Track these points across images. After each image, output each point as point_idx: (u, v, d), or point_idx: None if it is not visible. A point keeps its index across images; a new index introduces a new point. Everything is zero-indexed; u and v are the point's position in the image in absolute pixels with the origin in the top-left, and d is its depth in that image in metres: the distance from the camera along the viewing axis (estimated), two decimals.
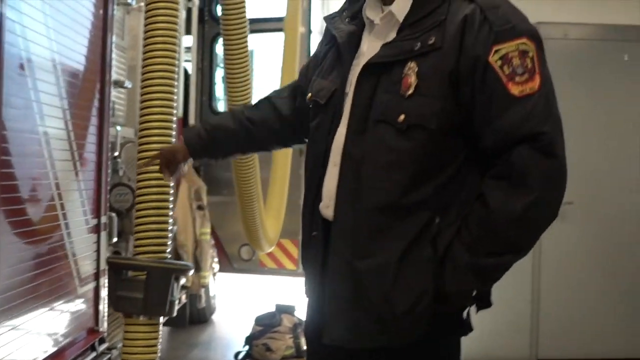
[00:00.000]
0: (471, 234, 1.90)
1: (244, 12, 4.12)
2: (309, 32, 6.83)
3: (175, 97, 3.00)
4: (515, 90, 1.86)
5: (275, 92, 2.49)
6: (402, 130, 1.91)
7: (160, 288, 2.61)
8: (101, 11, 3.09)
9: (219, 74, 7.33)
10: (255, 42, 7.34)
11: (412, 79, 1.90)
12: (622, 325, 5.81)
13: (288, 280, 7.29)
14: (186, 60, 6.39)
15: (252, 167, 4.45)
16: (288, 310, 5.99)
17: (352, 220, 1.98)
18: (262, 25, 6.89)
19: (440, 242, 1.93)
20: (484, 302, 2.04)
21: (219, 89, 7.32)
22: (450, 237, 1.93)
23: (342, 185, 2.00)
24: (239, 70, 4.12)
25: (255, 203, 4.60)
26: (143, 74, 2.92)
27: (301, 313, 5.90)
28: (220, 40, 7.00)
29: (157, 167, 2.62)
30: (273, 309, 6.00)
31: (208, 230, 6.08)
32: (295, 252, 6.66)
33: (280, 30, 6.07)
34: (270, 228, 5.08)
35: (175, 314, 2.68)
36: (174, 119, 3.01)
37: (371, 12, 2.07)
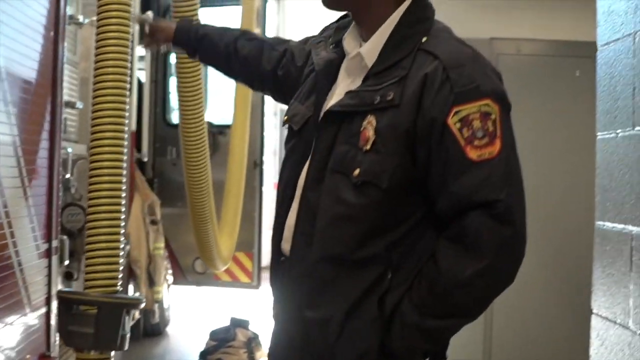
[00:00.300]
0: (420, 294, 1.86)
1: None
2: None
3: (127, 113, 2.95)
4: (473, 154, 1.80)
5: (274, 40, 2.48)
6: (357, 185, 1.87)
7: (111, 323, 2.57)
8: (52, 33, 3.04)
9: (173, 83, 7.30)
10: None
11: (370, 134, 1.85)
12: (567, 332, 5.87)
13: (243, 293, 7.25)
14: (140, 69, 6.35)
15: (205, 187, 4.40)
16: (242, 324, 5.96)
17: (303, 268, 1.95)
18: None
19: (389, 299, 1.88)
20: (438, 357, 1.98)
21: (174, 100, 7.28)
22: (400, 294, 1.88)
23: (298, 227, 1.97)
24: (191, 82, 4.07)
25: (209, 224, 4.55)
26: (94, 90, 2.88)
27: (256, 327, 5.89)
28: None
29: (108, 186, 2.63)
30: (228, 323, 5.97)
31: (162, 244, 6.04)
32: (250, 265, 6.65)
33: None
34: (224, 246, 5.04)
35: (127, 347, 2.64)
36: (126, 135, 2.97)
37: (350, 44, 2.03)
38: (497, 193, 1.80)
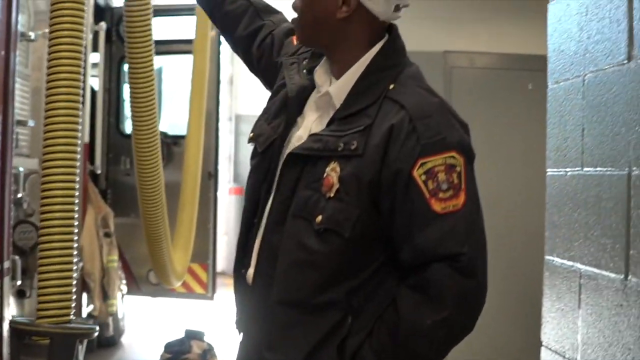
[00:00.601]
0: (381, 340, 1.86)
1: (150, 32, 4.04)
2: (218, 52, 6.81)
3: (80, 126, 2.94)
4: (437, 207, 1.79)
5: (263, 6, 2.38)
6: (319, 232, 1.84)
7: (64, 354, 2.56)
8: (2, 52, 3.01)
9: (128, 91, 7.25)
10: (164, 59, 7.30)
11: (334, 181, 1.84)
12: (519, 333, 5.93)
13: (197, 304, 7.22)
14: (93, 75, 6.29)
15: (158, 201, 4.38)
16: (197, 336, 5.93)
17: (264, 309, 1.94)
18: (171, 47, 6.84)
19: (349, 344, 1.88)
20: None
21: (128, 109, 7.24)
22: (360, 340, 1.87)
23: (259, 268, 1.96)
24: (143, 92, 4.05)
25: (163, 240, 4.53)
26: (47, 103, 2.86)
27: (211, 338, 5.87)
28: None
29: (61, 208, 2.60)
30: (182, 334, 5.94)
31: (115, 257, 6.00)
32: (204, 276, 6.62)
33: (189, 52, 6.04)
34: (179, 261, 5.01)
35: None
36: (79, 148, 2.95)
37: (320, 77, 2.01)
38: (461, 246, 1.79)
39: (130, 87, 4.05)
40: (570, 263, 2.08)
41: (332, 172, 1.84)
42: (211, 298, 6.65)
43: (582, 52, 2.00)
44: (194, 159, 5.56)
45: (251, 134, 2.10)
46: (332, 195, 1.83)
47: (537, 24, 6.18)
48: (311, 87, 2.03)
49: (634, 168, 1.74)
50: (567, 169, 2.09)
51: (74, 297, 2.75)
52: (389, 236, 1.86)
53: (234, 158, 12.37)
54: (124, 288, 6.70)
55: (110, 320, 5.98)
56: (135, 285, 6.75)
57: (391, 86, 1.88)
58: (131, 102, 4.11)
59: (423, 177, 1.78)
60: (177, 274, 5.06)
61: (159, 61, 6.13)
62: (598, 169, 1.91)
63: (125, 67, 6.96)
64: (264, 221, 1.99)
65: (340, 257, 1.85)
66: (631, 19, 1.78)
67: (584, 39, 2.01)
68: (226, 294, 8.29)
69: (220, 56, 7.06)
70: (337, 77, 1.98)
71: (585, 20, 2.02)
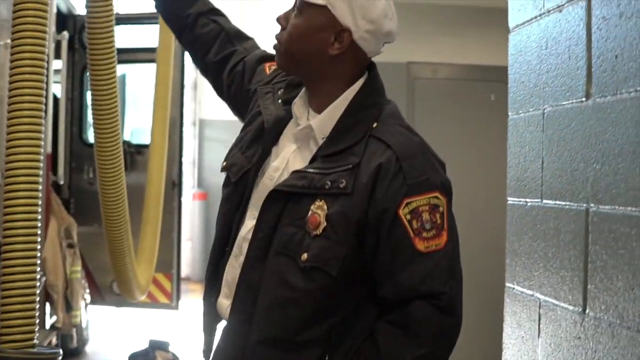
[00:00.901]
0: None
1: (112, 40, 4.02)
2: (182, 61, 6.80)
3: (43, 136, 2.92)
4: (420, 245, 1.83)
5: (235, 32, 2.37)
6: (305, 270, 1.86)
7: None
8: None
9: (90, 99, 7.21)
10: (128, 68, 7.28)
11: (321, 219, 1.85)
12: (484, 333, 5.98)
13: (161, 314, 7.20)
14: (55, 82, 6.25)
15: (121, 212, 4.35)
16: (162, 346, 5.93)
17: (241, 347, 1.93)
18: (134, 55, 6.81)
19: None
20: None
21: (90, 117, 7.20)
22: None
23: (236, 304, 1.95)
24: (105, 100, 4.01)
25: (127, 254, 4.51)
26: (9, 112, 2.84)
27: (175, 349, 5.87)
28: None
29: (25, 224, 2.63)
30: (147, 344, 5.92)
31: (79, 268, 5.97)
32: (169, 285, 6.61)
33: (152, 61, 6.00)
34: (142, 274, 4.98)
35: None
36: (42, 157, 2.94)
37: (299, 109, 2.02)
38: (442, 286, 1.84)
39: (92, 96, 4.00)
40: (530, 292, 2.11)
41: (319, 210, 1.85)
42: (176, 307, 6.64)
43: (542, 85, 2.04)
44: (158, 171, 5.54)
45: (224, 163, 2.10)
46: (318, 233, 1.85)
47: (499, 35, 6.27)
48: (288, 118, 2.04)
49: (592, 204, 1.78)
50: (527, 200, 2.13)
51: (37, 320, 2.73)
52: (370, 272, 1.89)
53: (197, 163, 12.34)
54: (88, 297, 6.67)
55: (74, 331, 5.95)
56: (99, 295, 6.72)
57: (374, 124, 1.91)
58: (93, 110, 4.07)
59: (408, 217, 1.82)
60: (141, 287, 5.04)
61: (122, 69, 6.12)
62: (557, 202, 1.95)
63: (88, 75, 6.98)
64: (235, 251, 2.00)
65: (325, 294, 1.87)
66: (590, 57, 1.82)
67: (543, 72, 2.05)
68: (190, 301, 8.28)
69: (185, 63, 7.05)
70: (317, 111, 1.99)
71: (545, 54, 2.05)
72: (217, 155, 12.48)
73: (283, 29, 1.97)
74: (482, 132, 6.18)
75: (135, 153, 6.68)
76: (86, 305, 6.66)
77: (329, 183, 1.86)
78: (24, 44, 2.82)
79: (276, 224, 1.90)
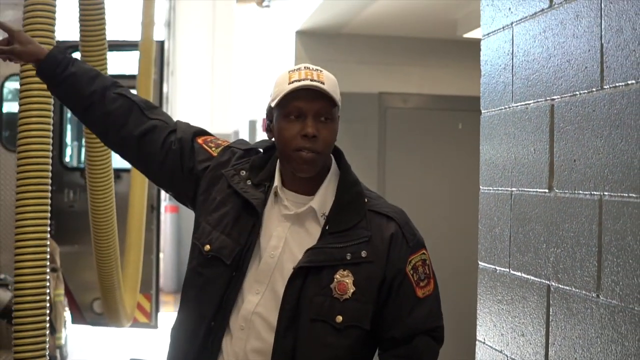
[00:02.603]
0: None
1: (105, 67, 4.18)
2: (161, 88, 7.00)
3: (49, 171, 3.13)
4: (420, 293, 2.24)
5: (145, 104, 2.43)
6: (340, 329, 2.18)
7: None
8: None
9: (70, 123, 7.37)
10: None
11: (349, 286, 2.18)
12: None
13: (141, 333, 7.38)
14: None
15: (112, 254, 4.52)
16: None
17: None
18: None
19: None
20: None
21: (70, 140, 7.36)
22: None
23: None
24: None
25: (116, 289, 4.70)
26: (19, 138, 3.07)
27: None
28: None
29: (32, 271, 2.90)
30: None
31: (62, 291, 6.15)
32: (148, 305, 6.80)
33: (132, 88, 6.17)
34: (128, 303, 5.17)
35: None
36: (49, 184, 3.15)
37: (281, 192, 2.28)
38: (438, 321, 2.29)
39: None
40: (499, 348, 2.39)
41: (345, 278, 2.19)
42: (155, 327, 6.84)
43: (511, 164, 2.31)
44: (140, 198, 5.73)
45: (208, 246, 2.29)
46: (348, 297, 2.19)
47: (467, 67, 6.55)
48: (265, 200, 2.28)
49: (552, 282, 2.06)
50: (496, 267, 2.40)
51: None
52: (378, 320, 2.25)
53: None
54: (68, 315, 6.83)
55: (57, 353, 6.13)
56: (80, 314, 6.89)
57: (365, 200, 2.27)
58: (86, 135, 4.20)
59: (411, 272, 2.23)
60: (128, 315, 5.24)
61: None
62: (523, 275, 2.22)
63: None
64: (241, 324, 2.22)
65: (360, 346, 2.23)
66: (552, 153, 2.09)
67: (511, 159, 2.32)
68: (164, 315, 8.45)
69: (163, 84, 7.25)
70: (305, 193, 2.26)
71: (513, 143, 2.33)
72: None
73: (317, 138, 2.17)
74: (450, 158, 6.47)
75: (114, 177, 6.86)
76: (65, 322, 6.82)
77: (349, 255, 2.20)
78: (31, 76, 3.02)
79: (299, 296, 2.19)
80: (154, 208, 6.82)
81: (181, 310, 2.36)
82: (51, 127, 3.12)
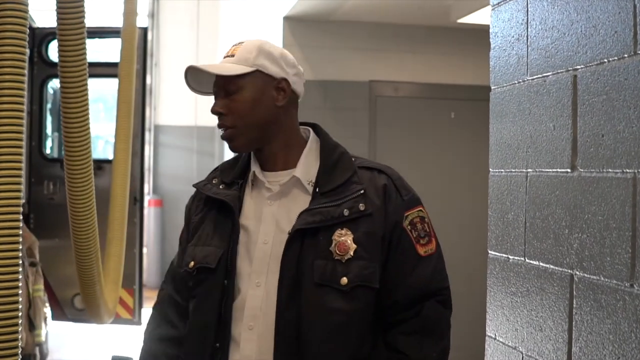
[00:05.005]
0: None
1: (84, 53, 3.97)
2: (144, 73, 6.79)
3: (23, 151, 2.91)
4: (421, 250, 2.13)
5: (164, 328, 2.30)
6: (346, 292, 2.04)
7: None
8: None
9: (50, 113, 7.16)
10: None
11: (349, 244, 2.05)
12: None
13: (124, 329, 7.18)
14: None
15: (92, 246, 4.30)
16: None
17: None
18: (95, 69, 6.76)
19: None
20: None
21: (50, 131, 7.14)
22: None
23: (281, 350, 2.03)
24: (76, 115, 3.94)
25: (96, 283, 4.49)
26: None
27: None
28: (50, 83, 6.92)
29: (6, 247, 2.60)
30: None
31: (41, 286, 5.94)
32: (131, 301, 6.60)
33: (114, 76, 5.96)
34: (109, 298, 4.95)
35: None
36: (23, 172, 2.93)
37: (261, 176, 2.19)
38: (444, 282, 2.18)
39: (63, 110, 3.91)
40: (512, 345, 2.20)
41: (344, 237, 2.06)
42: (138, 323, 6.62)
43: (526, 146, 2.12)
44: (122, 190, 5.49)
45: (192, 263, 2.18)
46: (350, 256, 2.05)
47: (460, 55, 6.38)
48: (241, 196, 2.19)
49: (577, 271, 1.86)
50: (509, 256, 2.20)
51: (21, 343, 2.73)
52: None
53: (152, 170, 12.29)
54: (48, 311, 6.62)
55: (37, 350, 5.92)
56: (60, 310, 6.67)
57: (353, 159, 2.20)
58: (63, 125, 3.99)
59: (409, 227, 2.13)
60: (109, 311, 5.02)
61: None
62: (541, 264, 2.03)
63: (49, 89, 6.92)
64: (249, 324, 2.07)
65: (368, 312, 2.08)
66: (575, 129, 1.90)
67: (526, 138, 2.13)
68: (147, 311, 8.26)
69: (146, 73, 7.04)
70: (284, 166, 2.18)
71: (528, 119, 2.13)
72: (172, 161, 12.48)
73: (224, 114, 2.14)
74: (442, 148, 6.29)
75: (95, 169, 6.63)
76: (45, 319, 6.61)
77: (346, 211, 2.08)
78: (4, 57, 2.80)
79: (297, 260, 2.05)
80: (137, 200, 6.59)
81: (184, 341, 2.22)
82: (24, 110, 2.88)
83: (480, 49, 6.46)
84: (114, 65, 5.97)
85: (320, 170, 2.15)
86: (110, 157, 5.83)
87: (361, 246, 2.06)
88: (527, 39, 2.12)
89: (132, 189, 6.25)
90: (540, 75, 2.05)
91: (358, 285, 2.05)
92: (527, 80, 2.12)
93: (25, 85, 2.85)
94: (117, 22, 6.21)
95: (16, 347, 2.67)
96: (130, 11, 5.74)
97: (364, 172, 2.16)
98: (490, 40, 2.34)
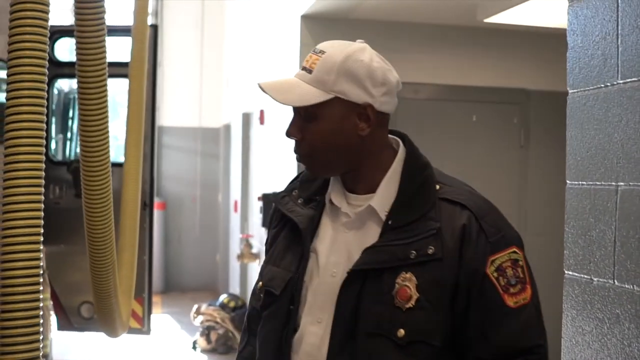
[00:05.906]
0: None
1: (104, 53, 3.78)
2: (154, 74, 6.61)
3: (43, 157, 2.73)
4: (510, 301, 1.81)
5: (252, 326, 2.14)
6: (402, 346, 1.78)
7: None
8: None
9: (56, 117, 6.97)
10: None
11: (412, 291, 1.79)
12: None
13: (133, 339, 6.97)
14: None
15: (109, 250, 4.11)
16: None
17: None
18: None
19: None
20: None
21: (54, 134, 6.95)
22: None
23: None
24: (96, 116, 3.75)
25: (113, 297, 4.28)
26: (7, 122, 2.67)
27: None
28: (56, 84, 6.73)
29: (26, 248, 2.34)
30: None
31: (48, 295, 5.74)
32: (140, 310, 6.37)
33: (123, 76, 5.76)
34: (123, 309, 4.74)
35: None
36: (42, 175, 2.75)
37: (336, 198, 1.94)
38: (538, 338, 1.82)
39: (81, 111, 3.73)
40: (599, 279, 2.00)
41: (407, 282, 1.80)
42: (147, 333, 6.41)
43: (615, 157, 1.92)
44: (133, 196, 5.27)
45: (260, 283, 2.02)
46: (411, 305, 1.79)
47: (483, 54, 6.18)
48: (318, 215, 1.97)
49: None
50: (593, 277, 2.00)
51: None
52: (459, 341, 1.82)
53: (156, 171, 12.08)
54: (53, 319, 6.40)
55: None
56: (66, 319, 6.44)
57: (437, 187, 1.88)
58: (81, 127, 3.80)
59: (495, 275, 1.80)
60: (124, 324, 4.81)
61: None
62: (636, 288, 1.82)
63: (54, 90, 6.71)
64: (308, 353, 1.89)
65: None
66: None
67: (616, 147, 1.93)
68: (152, 317, 8.08)
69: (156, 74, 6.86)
70: (363, 192, 1.92)
71: (619, 127, 1.93)
72: (176, 163, 12.27)
73: (300, 140, 1.90)
74: (463, 152, 6.09)
75: None
76: (50, 326, 6.40)
77: (414, 252, 1.81)
78: (23, 56, 2.63)
79: (357, 304, 1.82)
80: (146, 205, 6.38)
81: None
82: (44, 117, 2.69)
83: (504, 49, 6.31)
84: (123, 65, 5.78)
85: (397, 200, 1.89)
86: (118, 159, 5.64)
87: (424, 295, 1.79)
88: (618, 37, 1.91)
89: (142, 194, 6.05)
90: (635, 79, 1.84)
91: (416, 340, 1.79)
92: (617, 84, 1.91)
93: (46, 86, 2.68)
94: (122, 20, 6.03)
95: (37, 357, 2.50)
96: (142, 8, 5.53)
97: (445, 206, 1.86)
98: (568, 39, 2.13)
